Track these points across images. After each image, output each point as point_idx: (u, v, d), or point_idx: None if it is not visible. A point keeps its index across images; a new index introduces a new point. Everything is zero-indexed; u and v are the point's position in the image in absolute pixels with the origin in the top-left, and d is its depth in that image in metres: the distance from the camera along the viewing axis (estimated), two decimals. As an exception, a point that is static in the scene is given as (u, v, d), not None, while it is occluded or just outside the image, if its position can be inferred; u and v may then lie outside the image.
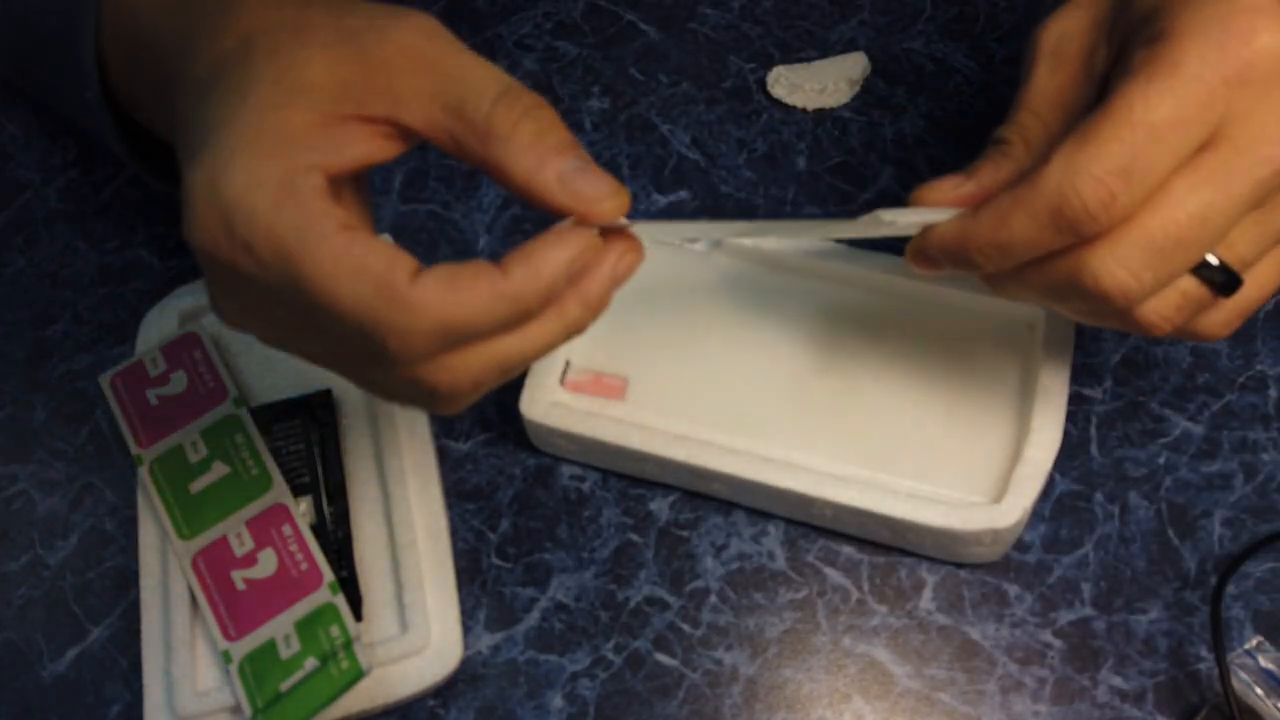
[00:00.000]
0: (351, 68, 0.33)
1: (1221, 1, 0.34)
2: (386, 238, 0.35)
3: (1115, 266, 0.35)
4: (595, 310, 0.35)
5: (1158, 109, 0.33)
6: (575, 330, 0.35)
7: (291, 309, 0.33)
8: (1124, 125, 0.33)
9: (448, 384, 0.34)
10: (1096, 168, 0.33)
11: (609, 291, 0.35)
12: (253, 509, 0.47)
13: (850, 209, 0.56)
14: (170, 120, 0.37)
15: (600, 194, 0.33)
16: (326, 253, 0.31)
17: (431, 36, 0.34)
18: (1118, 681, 0.44)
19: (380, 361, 0.33)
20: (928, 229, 0.39)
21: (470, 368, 0.34)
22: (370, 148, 0.34)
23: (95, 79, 0.42)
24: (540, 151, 0.33)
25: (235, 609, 0.45)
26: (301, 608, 0.44)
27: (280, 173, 0.32)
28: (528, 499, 0.50)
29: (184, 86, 0.36)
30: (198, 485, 0.48)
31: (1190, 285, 0.36)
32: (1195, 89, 0.33)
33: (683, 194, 0.58)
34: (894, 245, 0.57)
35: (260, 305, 0.34)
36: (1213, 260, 0.36)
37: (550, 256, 0.33)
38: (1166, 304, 0.36)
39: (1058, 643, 0.45)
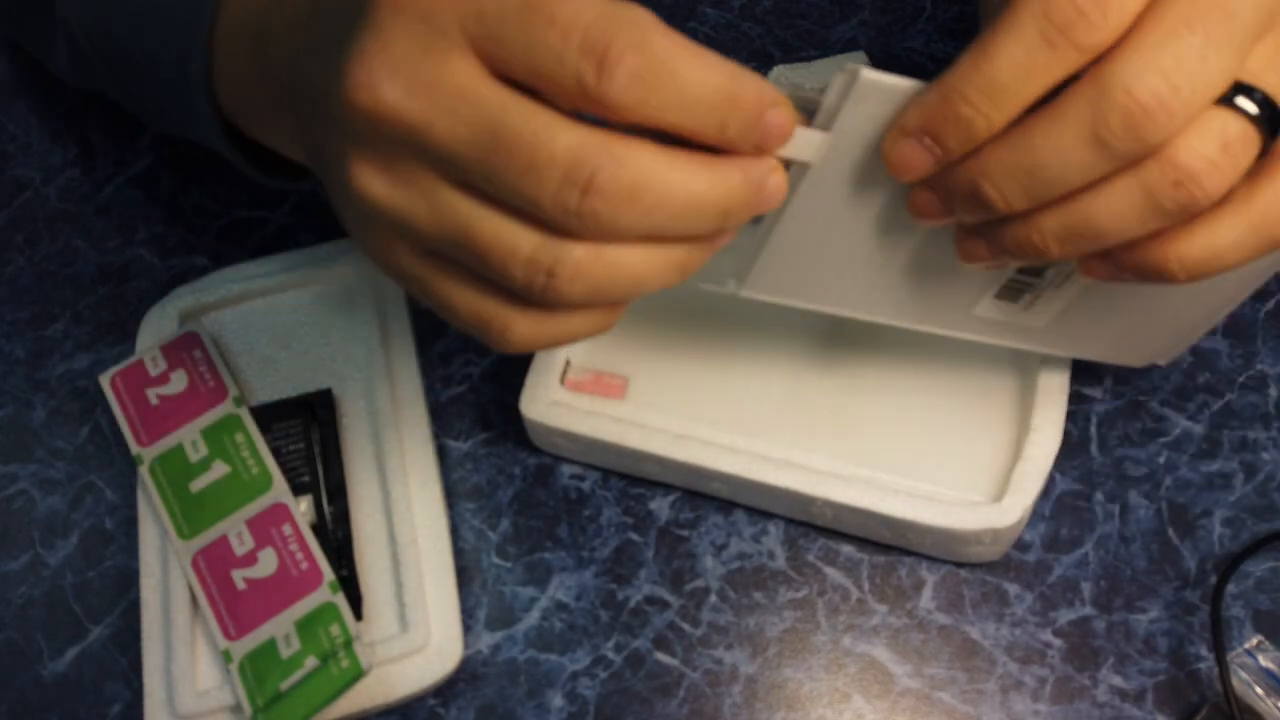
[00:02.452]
0: None
1: None
2: None
3: (1142, 70, 0.30)
4: (752, 197, 0.31)
5: None
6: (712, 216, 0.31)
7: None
8: None
9: (610, 182, 0.29)
10: None
11: (762, 189, 0.31)
12: (253, 508, 0.47)
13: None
14: (293, 104, 0.36)
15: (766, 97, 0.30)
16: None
17: None
18: (1118, 681, 0.44)
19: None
20: (901, 114, 0.33)
21: (639, 168, 0.30)
22: None
23: (212, 116, 0.41)
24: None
25: (235, 608, 0.45)
26: (302, 607, 0.44)
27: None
28: (528, 498, 0.50)
29: (306, 52, 0.34)
30: (198, 484, 0.48)
31: (1226, 119, 0.31)
32: None
33: (683, 193, 0.58)
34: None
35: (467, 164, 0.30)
36: (1244, 83, 0.31)
37: (754, 90, 0.30)
38: (1206, 141, 0.31)
39: (1058, 642, 0.45)
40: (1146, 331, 0.44)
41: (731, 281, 0.39)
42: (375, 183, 0.31)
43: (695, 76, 0.29)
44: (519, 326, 0.33)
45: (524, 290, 0.31)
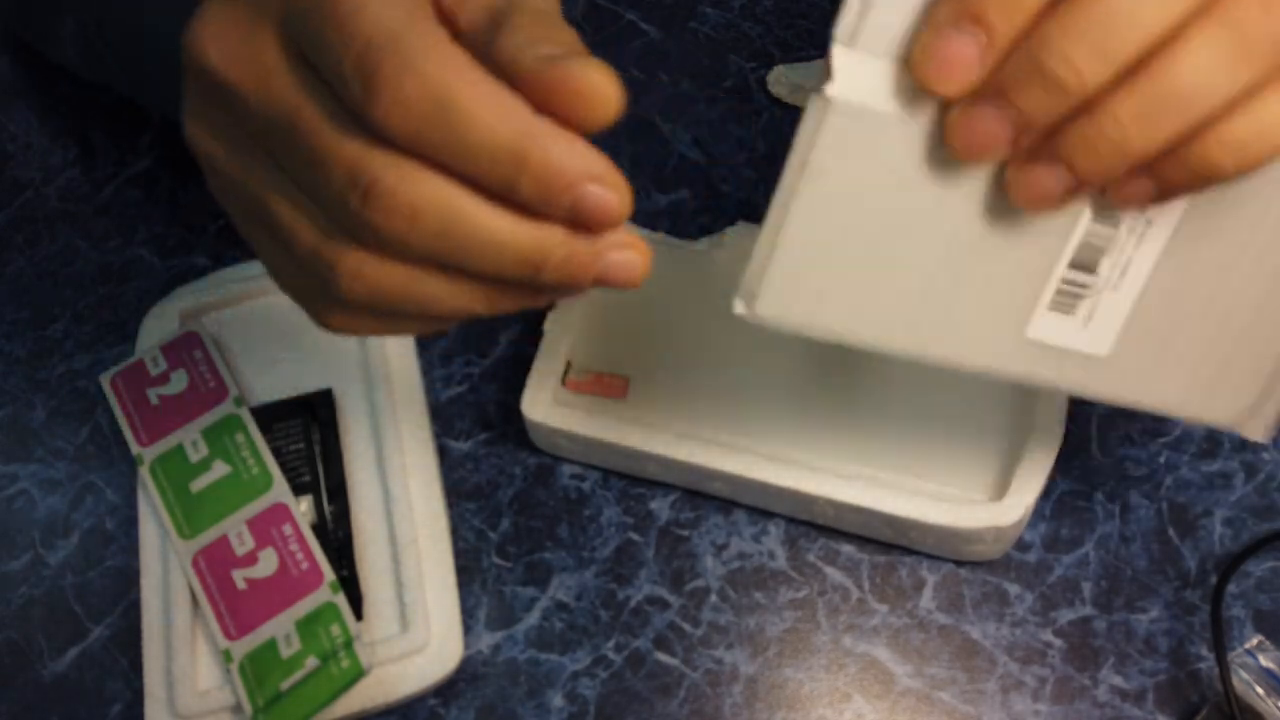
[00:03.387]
0: None
1: None
2: None
3: None
4: (561, 275, 0.29)
5: None
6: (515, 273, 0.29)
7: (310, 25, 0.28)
8: None
9: (387, 196, 0.28)
10: None
11: (586, 271, 0.29)
12: (253, 508, 0.47)
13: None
14: None
15: (593, 85, 0.28)
16: None
17: None
18: (1118, 681, 0.44)
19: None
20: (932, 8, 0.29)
21: (421, 191, 0.28)
22: None
23: None
24: (535, 35, 0.29)
25: (236, 608, 0.45)
26: (302, 607, 0.44)
27: None
28: (528, 498, 0.50)
29: None
30: (198, 484, 0.48)
31: None
32: None
33: (683, 193, 0.58)
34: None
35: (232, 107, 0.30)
36: None
37: (571, 158, 0.28)
38: None
39: (1058, 642, 0.45)
40: (1226, 359, 0.36)
41: (738, 301, 0.34)
42: (198, 132, 0.32)
43: (480, 121, 0.27)
44: (323, 310, 0.32)
45: (310, 278, 0.31)
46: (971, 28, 0.28)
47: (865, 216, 0.33)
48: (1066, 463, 0.49)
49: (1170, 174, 0.29)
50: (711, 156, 0.59)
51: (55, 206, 0.60)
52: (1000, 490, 0.45)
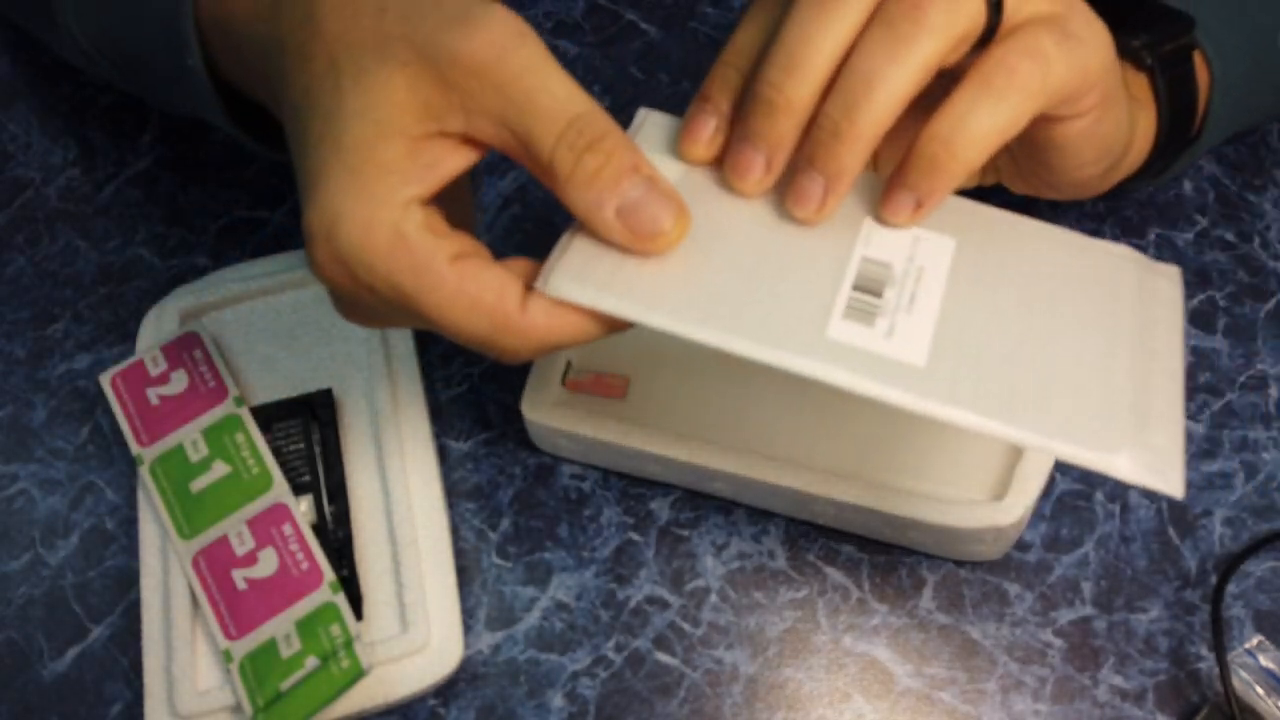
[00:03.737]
0: (429, 86, 0.34)
1: None
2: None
3: None
4: None
5: None
6: None
7: (417, 321, 0.36)
8: None
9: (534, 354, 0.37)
10: None
11: None
12: (253, 508, 0.47)
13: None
14: (277, 108, 0.38)
15: (657, 227, 0.35)
16: (443, 293, 0.34)
17: (504, 51, 0.34)
18: (1118, 680, 0.44)
19: (499, 354, 0.36)
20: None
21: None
22: (456, 160, 0.35)
23: (197, 49, 0.43)
24: (598, 189, 0.34)
25: (236, 608, 0.45)
26: (302, 607, 0.44)
27: (388, 218, 0.34)
28: (528, 498, 0.50)
29: (287, 106, 0.37)
30: (198, 484, 0.48)
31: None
32: None
33: (683, 193, 0.58)
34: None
35: (386, 318, 0.37)
36: None
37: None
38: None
39: (1058, 642, 0.45)
40: (1064, 381, 0.35)
41: (539, 278, 0.35)
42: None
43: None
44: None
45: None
46: (701, 103, 0.38)
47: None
48: (1066, 463, 0.49)
49: (913, 180, 0.36)
50: (711, 156, 0.59)
51: (55, 206, 0.60)
52: (1000, 490, 0.45)
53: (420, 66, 0.34)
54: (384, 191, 0.34)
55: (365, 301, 0.35)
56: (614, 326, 0.36)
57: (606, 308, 0.35)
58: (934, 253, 0.38)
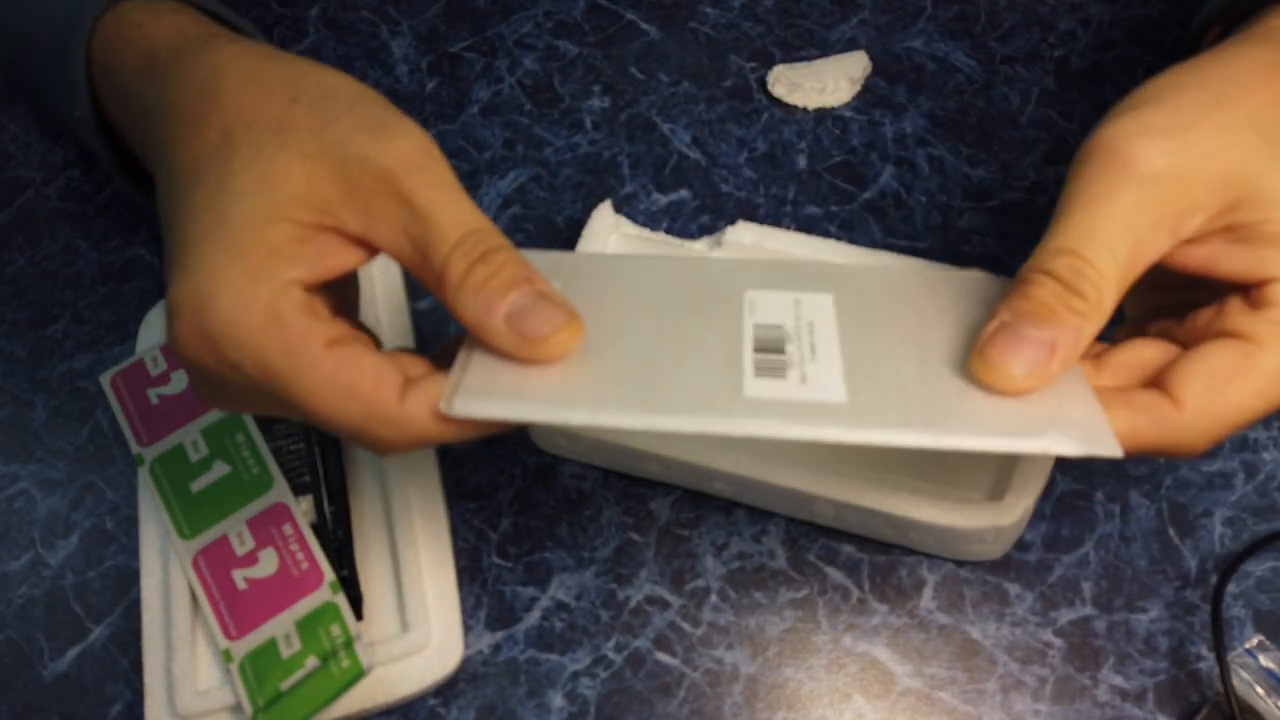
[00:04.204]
0: (330, 185, 0.34)
1: None
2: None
3: None
4: None
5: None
6: None
7: (283, 408, 0.34)
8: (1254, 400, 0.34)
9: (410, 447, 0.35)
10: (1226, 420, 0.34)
11: None
12: (253, 508, 0.47)
13: (850, 208, 0.56)
14: (153, 167, 0.38)
15: (544, 333, 0.34)
16: (315, 377, 0.33)
17: (413, 165, 0.34)
18: (1118, 680, 0.44)
19: (375, 446, 0.35)
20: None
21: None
22: (345, 256, 0.35)
23: (86, 99, 0.42)
24: (488, 294, 0.34)
25: (236, 608, 0.45)
26: (302, 607, 0.44)
27: (265, 295, 0.33)
28: (528, 498, 0.50)
29: (165, 170, 0.36)
30: (199, 484, 0.48)
31: None
32: None
33: (683, 193, 0.58)
34: (896, 241, 0.57)
35: (250, 402, 0.35)
36: None
37: None
38: None
39: (1058, 642, 0.45)
40: (973, 387, 0.36)
41: (442, 400, 0.34)
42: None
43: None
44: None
45: None
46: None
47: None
48: (1066, 463, 0.49)
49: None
50: (711, 156, 0.59)
51: (55, 206, 0.60)
52: (1000, 490, 0.45)
53: (324, 163, 0.34)
54: (265, 269, 0.33)
55: (229, 383, 0.34)
56: (507, 424, 0.34)
57: (520, 416, 0.34)
58: (817, 308, 0.40)
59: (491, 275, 0.34)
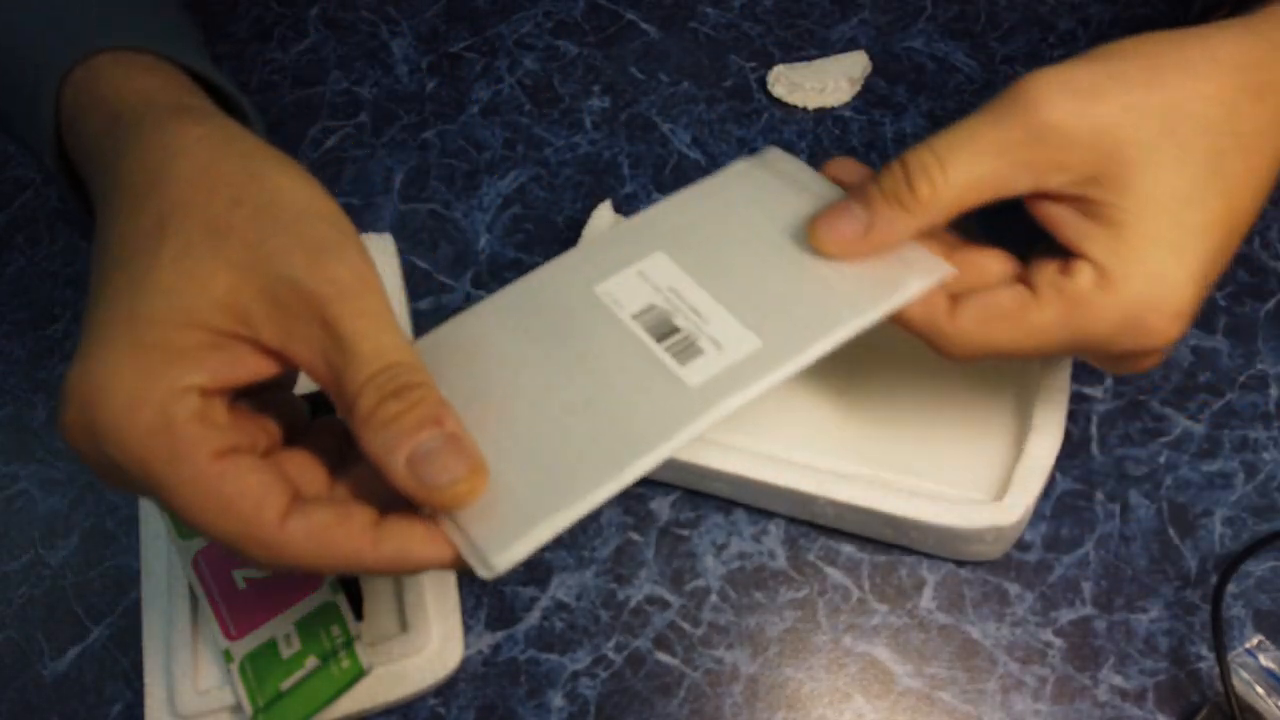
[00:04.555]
0: (253, 298, 0.33)
1: (1154, 280, 0.37)
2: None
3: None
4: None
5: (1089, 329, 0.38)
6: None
7: (162, 506, 0.33)
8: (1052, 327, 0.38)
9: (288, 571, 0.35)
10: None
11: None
12: (253, 508, 0.47)
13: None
14: (98, 229, 0.37)
15: (446, 481, 0.33)
16: (196, 489, 0.32)
17: (344, 292, 0.33)
18: (1118, 680, 0.44)
19: (251, 562, 0.34)
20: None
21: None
22: (258, 366, 0.34)
23: (54, 152, 0.41)
24: (394, 432, 0.33)
25: (236, 608, 0.45)
26: (302, 607, 0.44)
27: (158, 396, 0.32)
28: (528, 498, 0.50)
29: (100, 239, 0.35)
30: (198, 484, 0.47)
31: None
32: (1112, 333, 0.38)
33: (683, 193, 0.58)
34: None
35: (130, 491, 0.34)
36: None
37: (419, 557, 0.33)
38: None
39: (1058, 642, 0.45)
40: (828, 270, 0.40)
41: (480, 569, 0.34)
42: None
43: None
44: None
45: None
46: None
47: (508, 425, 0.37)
48: (1067, 462, 0.49)
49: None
50: (711, 156, 0.59)
51: (56, 206, 0.60)
52: (1000, 490, 0.45)
53: (250, 275, 0.33)
54: (163, 370, 0.32)
55: (109, 473, 0.33)
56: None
57: (548, 536, 0.33)
58: (661, 269, 0.41)
59: (402, 412, 0.33)
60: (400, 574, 0.34)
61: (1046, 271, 0.38)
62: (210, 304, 0.33)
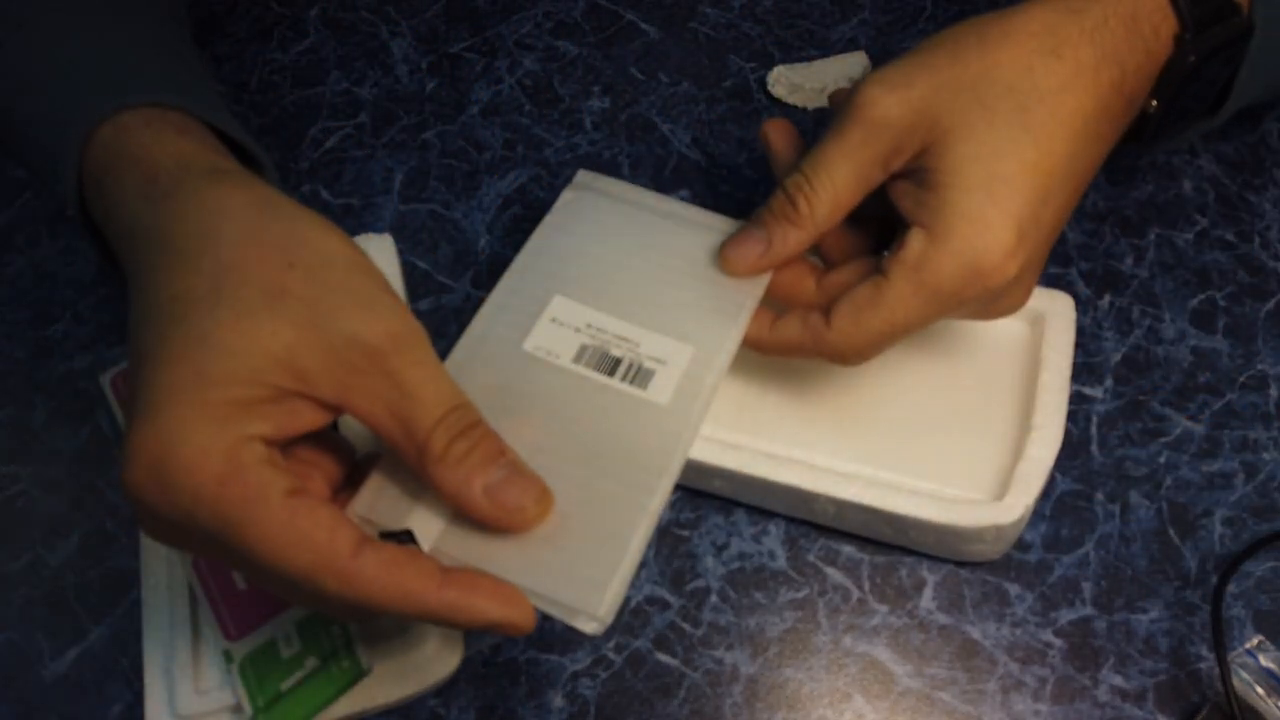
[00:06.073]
0: (312, 356, 0.34)
1: (975, 224, 0.40)
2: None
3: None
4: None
5: (913, 308, 0.41)
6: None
7: (227, 555, 0.34)
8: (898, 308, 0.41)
9: (367, 617, 0.37)
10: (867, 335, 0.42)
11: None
12: (253, 508, 0.47)
13: (851, 208, 0.56)
14: (132, 280, 0.37)
15: (521, 503, 0.37)
16: (271, 525, 0.33)
17: (400, 343, 0.35)
18: (1118, 681, 0.44)
19: (315, 600, 0.35)
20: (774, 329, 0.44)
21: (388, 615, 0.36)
22: (314, 417, 0.36)
23: (75, 201, 0.41)
24: (468, 467, 0.36)
25: (236, 608, 0.45)
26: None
27: (226, 445, 0.33)
28: (528, 498, 0.50)
29: (147, 296, 0.36)
30: (198, 484, 0.47)
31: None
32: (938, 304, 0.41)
33: (683, 193, 0.58)
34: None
35: (198, 546, 0.36)
36: None
37: (482, 610, 0.35)
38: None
39: (1058, 642, 0.45)
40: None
41: (588, 625, 0.38)
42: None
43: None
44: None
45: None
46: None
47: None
48: (1067, 462, 0.49)
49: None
50: (711, 156, 0.59)
51: (55, 207, 0.60)
52: (1000, 490, 0.45)
53: (311, 333, 0.34)
54: (230, 424, 0.33)
55: (180, 527, 0.34)
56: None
57: (630, 570, 0.37)
58: (568, 310, 0.44)
59: (471, 449, 0.36)
60: (456, 625, 0.35)
61: (893, 253, 0.42)
62: (271, 363, 0.34)
